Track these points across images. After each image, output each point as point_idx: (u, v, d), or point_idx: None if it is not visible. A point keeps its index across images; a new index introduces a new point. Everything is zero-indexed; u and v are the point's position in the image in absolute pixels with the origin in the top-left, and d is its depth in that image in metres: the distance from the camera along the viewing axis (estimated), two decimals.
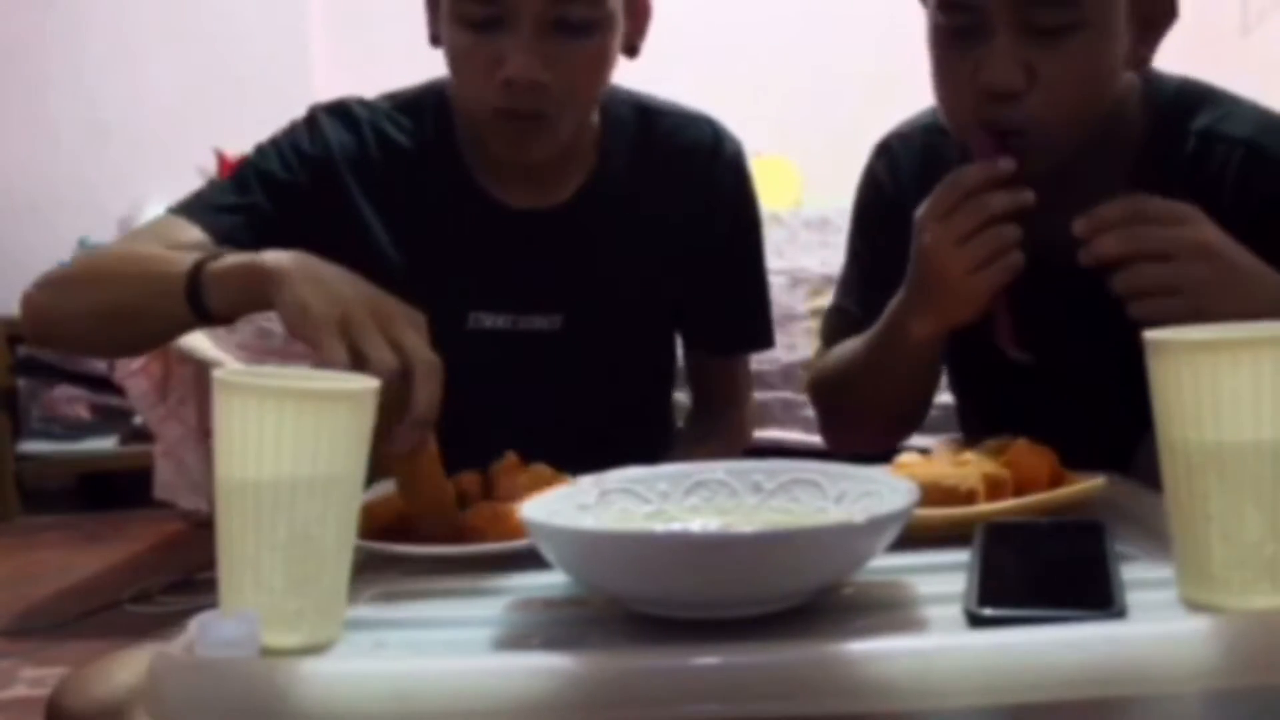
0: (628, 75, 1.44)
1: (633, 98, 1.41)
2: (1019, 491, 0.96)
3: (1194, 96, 1.24)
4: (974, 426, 1.37)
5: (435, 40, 1.28)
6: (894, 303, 1.19)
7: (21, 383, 3.98)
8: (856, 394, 1.29)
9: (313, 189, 1.32)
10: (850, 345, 1.30)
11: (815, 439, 2.62)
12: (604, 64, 1.26)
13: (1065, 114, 1.13)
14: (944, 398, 2.51)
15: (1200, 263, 1.01)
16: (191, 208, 1.31)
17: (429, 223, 1.34)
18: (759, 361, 2.53)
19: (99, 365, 3.87)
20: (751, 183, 1.44)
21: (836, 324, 1.38)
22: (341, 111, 1.36)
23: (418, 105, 1.37)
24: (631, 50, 1.31)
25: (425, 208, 1.34)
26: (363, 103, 1.37)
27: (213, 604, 0.75)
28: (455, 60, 1.25)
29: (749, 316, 1.46)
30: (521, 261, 1.34)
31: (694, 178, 1.38)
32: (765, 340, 1.48)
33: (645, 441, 1.41)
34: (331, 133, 1.34)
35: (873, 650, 0.69)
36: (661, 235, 1.37)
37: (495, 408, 1.31)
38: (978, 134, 1.14)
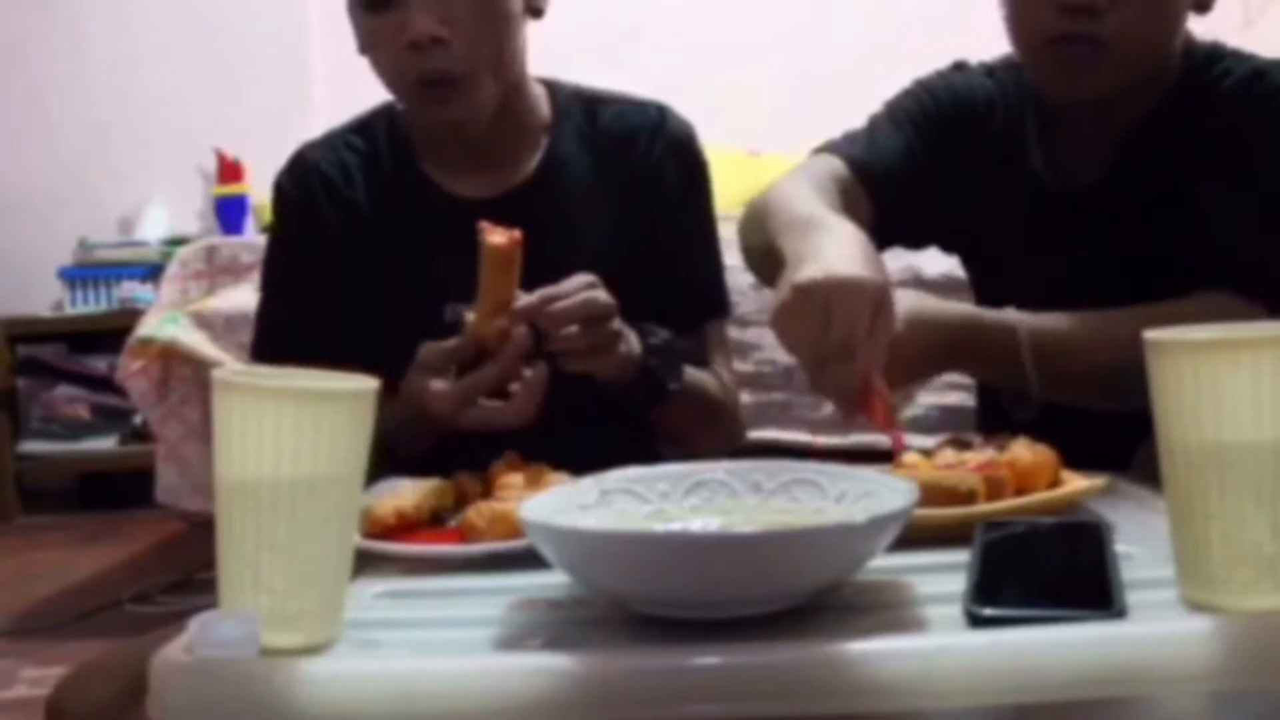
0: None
1: (581, 90, 1.47)
2: (1019, 491, 0.96)
3: (1224, 52, 1.31)
4: (993, 423, 1.37)
5: (362, 49, 1.36)
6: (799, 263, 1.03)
7: (21, 383, 3.98)
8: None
9: (324, 243, 1.40)
10: (787, 213, 1.19)
11: (816, 439, 2.63)
12: (501, 19, 1.31)
13: (1140, 35, 1.18)
14: (944, 398, 2.52)
15: None
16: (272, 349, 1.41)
17: (394, 224, 1.40)
18: (758, 363, 2.53)
19: (99, 365, 3.87)
20: (701, 160, 1.47)
21: (824, 160, 1.37)
22: (296, 167, 1.44)
23: (369, 122, 1.45)
24: (536, 12, 1.37)
25: (388, 211, 1.41)
26: (314, 144, 1.45)
27: (213, 604, 0.75)
28: (368, 46, 1.34)
29: (703, 288, 1.49)
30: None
31: (638, 158, 1.43)
32: (720, 309, 1.51)
33: (637, 429, 1.41)
34: (296, 192, 1.42)
35: (873, 650, 0.69)
36: (614, 215, 1.42)
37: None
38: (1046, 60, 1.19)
